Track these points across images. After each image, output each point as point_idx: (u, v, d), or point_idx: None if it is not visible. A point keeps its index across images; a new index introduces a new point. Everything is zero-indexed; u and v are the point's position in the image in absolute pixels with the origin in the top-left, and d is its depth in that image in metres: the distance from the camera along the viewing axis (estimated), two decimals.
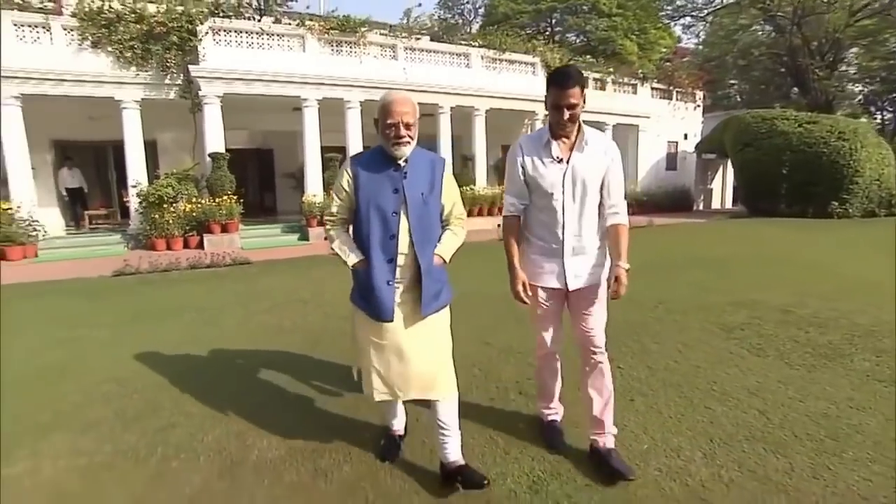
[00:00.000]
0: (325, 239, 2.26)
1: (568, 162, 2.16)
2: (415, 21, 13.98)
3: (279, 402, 3.01)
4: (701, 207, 18.96)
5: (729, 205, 17.86)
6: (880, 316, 4.48)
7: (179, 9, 10.74)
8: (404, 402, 2.35)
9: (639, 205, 16.12)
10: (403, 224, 2.04)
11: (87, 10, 9.88)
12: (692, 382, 3.19)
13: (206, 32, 10.39)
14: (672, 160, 18.31)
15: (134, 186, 10.70)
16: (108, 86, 10.36)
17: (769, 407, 2.83)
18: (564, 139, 2.18)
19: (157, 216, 10.14)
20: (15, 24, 9.54)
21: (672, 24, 27.67)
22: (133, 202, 10.80)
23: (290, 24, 11.41)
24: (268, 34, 11.05)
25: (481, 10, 37.52)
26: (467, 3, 38.54)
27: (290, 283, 6.63)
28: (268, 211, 15.88)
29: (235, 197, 10.81)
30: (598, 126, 16.19)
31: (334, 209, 2.18)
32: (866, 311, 4.66)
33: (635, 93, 17.11)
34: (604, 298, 2.31)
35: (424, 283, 2.06)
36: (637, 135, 17.27)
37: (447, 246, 2.18)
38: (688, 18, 26.77)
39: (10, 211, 9.57)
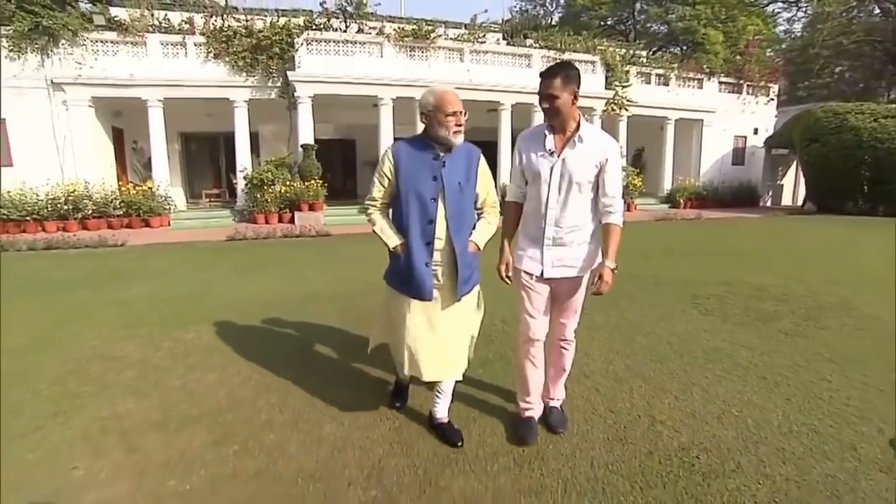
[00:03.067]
0: (368, 221, 2.35)
1: (559, 155, 2.20)
2: (481, 24, 15.09)
3: (335, 314, 4.52)
4: (769, 204, 18.39)
5: (801, 202, 17.24)
6: (846, 297, 5.04)
7: (282, 20, 12.84)
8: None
9: (697, 199, 16.19)
10: (441, 210, 2.16)
11: (212, 28, 12.23)
12: (633, 325, 4.23)
13: (302, 43, 12.34)
14: (739, 155, 17.89)
15: (241, 171, 13.00)
16: (224, 89, 12.67)
17: (679, 342, 3.84)
18: (560, 133, 2.21)
19: (258, 196, 12.33)
20: (161, 44, 12.08)
21: (759, 10, 26.16)
22: (240, 184, 13.11)
23: (370, 32, 13.08)
24: (351, 43, 12.83)
25: (562, 1, 37.46)
26: None
27: (358, 250, 8.28)
28: (349, 194, 17.87)
29: (321, 181, 12.74)
30: (660, 121, 16.44)
31: (376, 194, 2.29)
32: (837, 293, 5.21)
33: (700, 87, 16.97)
34: (582, 294, 2.37)
35: (459, 267, 2.19)
36: (701, 129, 17.14)
37: (481, 234, 2.32)
38: (776, 6, 25.18)
39: (152, 189, 12.18)
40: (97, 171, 12.01)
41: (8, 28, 10.79)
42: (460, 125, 2.14)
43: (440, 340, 2.22)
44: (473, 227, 2.31)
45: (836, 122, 13.48)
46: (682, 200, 16.05)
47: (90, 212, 11.41)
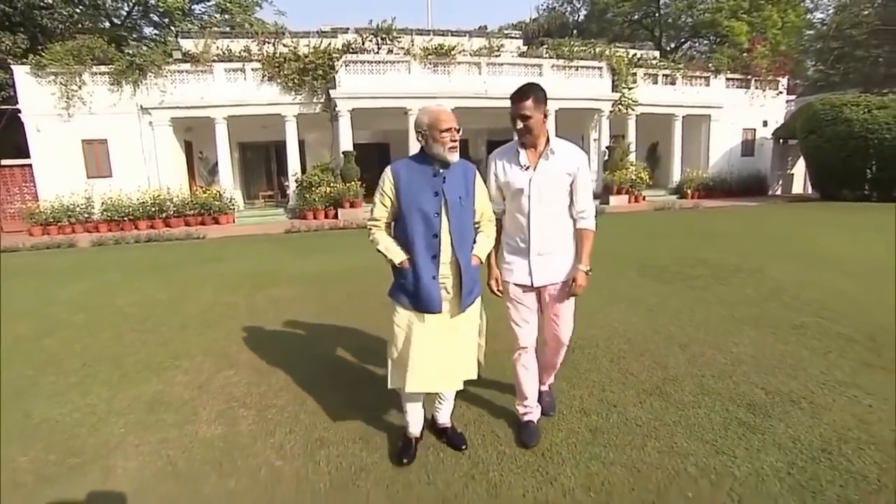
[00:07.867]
0: (370, 241, 2.33)
1: (535, 169, 2.32)
2: (501, 31, 16.72)
3: (374, 279, 6.31)
4: (779, 192, 19.13)
5: (810, 190, 17.97)
6: (763, 265, 6.34)
7: (324, 44, 14.89)
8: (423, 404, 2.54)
9: (704, 189, 17.20)
10: (444, 224, 2.19)
11: (265, 55, 14.45)
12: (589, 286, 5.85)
13: (341, 65, 14.39)
14: (748, 146, 18.71)
15: (293, 175, 15.21)
16: (277, 106, 14.91)
17: (608, 292, 5.32)
18: (532, 148, 2.34)
19: (307, 195, 14.47)
20: (225, 71, 14.40)
21: None
22: (291, 186, 15.30)
23: (399, 52, 14.98)
24: (383, 62, 14.77)
25: None
26: None
27: None
28: None
29: (360, 182, 14.75)
30: (667, 118, 17.59)
31: (378, 214, 2.29)
32: (757, 261, 6.56)
33: (707, 85, 17.91)
34: (572, 297, 2.48)
35: (464, 279, 2.23)
36: (709, 124, 18.10)
37: (482, 247, 2.35)
38: None
39: (220, 192, 14.52)
40: (175, 178, 14.46)
41: (110, 67, 13.36)
42: (455, 141, 2.19)
43: (448, 351, 2.27)
44: (474, 241, 2.34)
45: (832, 113, 14.26)
46: (689, 191, 17.13)
47: (171, 212, 13.83)
